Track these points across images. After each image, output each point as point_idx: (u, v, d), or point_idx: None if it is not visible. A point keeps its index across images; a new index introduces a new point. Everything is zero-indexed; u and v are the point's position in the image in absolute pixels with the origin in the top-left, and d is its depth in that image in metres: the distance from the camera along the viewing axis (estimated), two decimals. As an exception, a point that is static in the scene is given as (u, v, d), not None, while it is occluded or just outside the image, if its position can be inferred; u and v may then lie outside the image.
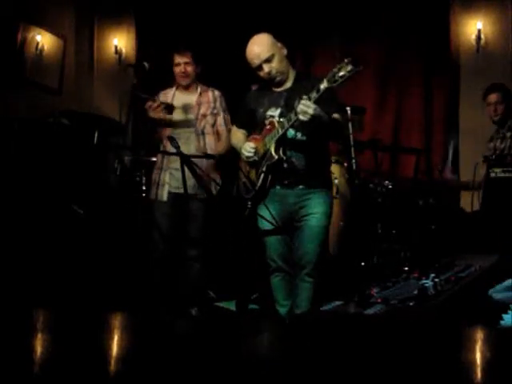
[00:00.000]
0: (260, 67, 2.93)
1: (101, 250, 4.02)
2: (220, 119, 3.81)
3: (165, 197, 3.73)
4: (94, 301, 3.43)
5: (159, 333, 0.91)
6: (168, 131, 3.73)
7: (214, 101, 3.81)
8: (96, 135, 4.43)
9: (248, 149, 3.02)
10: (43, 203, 4.21)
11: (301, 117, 2.68)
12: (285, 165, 2.95)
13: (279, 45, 2.96)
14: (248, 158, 3.03)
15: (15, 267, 3.72)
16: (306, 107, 2.64)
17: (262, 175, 2.96)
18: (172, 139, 3.20)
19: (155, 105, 3.63)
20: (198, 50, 5.74)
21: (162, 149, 3.79)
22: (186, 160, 3.11)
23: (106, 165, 4.92)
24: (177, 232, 3.74)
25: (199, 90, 3.82)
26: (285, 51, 2.95)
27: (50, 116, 4.97)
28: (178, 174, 3.61)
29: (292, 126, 2.85)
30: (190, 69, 3.73)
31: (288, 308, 3.07)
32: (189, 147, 3.66)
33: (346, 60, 2.47)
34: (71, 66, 6.05)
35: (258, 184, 2.97)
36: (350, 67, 2.46)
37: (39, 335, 0.90)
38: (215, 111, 3.80)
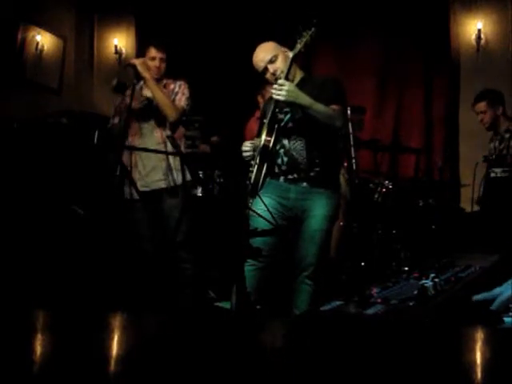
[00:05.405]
0: (265, 69, 2.98)
1: (101, 251, 4.02)
2: (178, 96, 3.69)
3: (135, 195, 3.63)
4: (93, 301, 3.42)
5: (159, 333, 0.91)
6: (134, 126, 3.67)
7: (175, 89, 3.71)
8: (96, 135, 4.42)
9: (245, 144, 3.04)
10: (43, 203, 4.21)
11: (275, 96, 2.74)
12: (285, 158, 2.94)
13: (283, 49, 3.03)
14: (245, 152, 3.03)
15: (15, 268, 3.72)
16: (279, 86, 2.72)
17: (256, 166, 2.93)
18: (170, 138, 3.17)
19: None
20: (198, 48, 5.76)
21: (128, 144, 3.65)
22: (185, 159, 3.11)
23: (105, 165, 4.91)
24: (154, 232, 3.68)
25: (164, 82, 3.74)
26: (290, 54, 2.98)
27: (50, 116, 4.97)
28: (146, 172, 3.62)
29: (278, 107, 2.90)
30: (163, 65, 3.71)
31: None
32: (152, 140, 3.61)
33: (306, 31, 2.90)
34: (71, 66, 6.06)
35: (253, 176, 2.92)
36: (305, 34, 2.89)
37: (39, 335, 0.90)
38: (173, 96, 3.68)
